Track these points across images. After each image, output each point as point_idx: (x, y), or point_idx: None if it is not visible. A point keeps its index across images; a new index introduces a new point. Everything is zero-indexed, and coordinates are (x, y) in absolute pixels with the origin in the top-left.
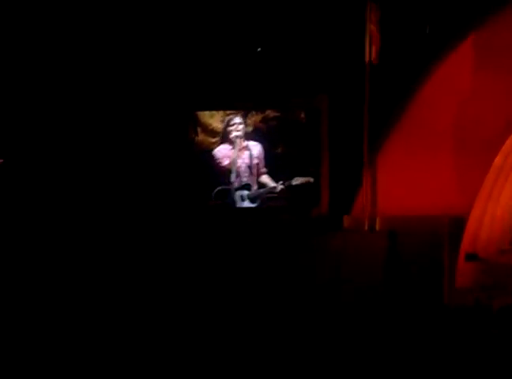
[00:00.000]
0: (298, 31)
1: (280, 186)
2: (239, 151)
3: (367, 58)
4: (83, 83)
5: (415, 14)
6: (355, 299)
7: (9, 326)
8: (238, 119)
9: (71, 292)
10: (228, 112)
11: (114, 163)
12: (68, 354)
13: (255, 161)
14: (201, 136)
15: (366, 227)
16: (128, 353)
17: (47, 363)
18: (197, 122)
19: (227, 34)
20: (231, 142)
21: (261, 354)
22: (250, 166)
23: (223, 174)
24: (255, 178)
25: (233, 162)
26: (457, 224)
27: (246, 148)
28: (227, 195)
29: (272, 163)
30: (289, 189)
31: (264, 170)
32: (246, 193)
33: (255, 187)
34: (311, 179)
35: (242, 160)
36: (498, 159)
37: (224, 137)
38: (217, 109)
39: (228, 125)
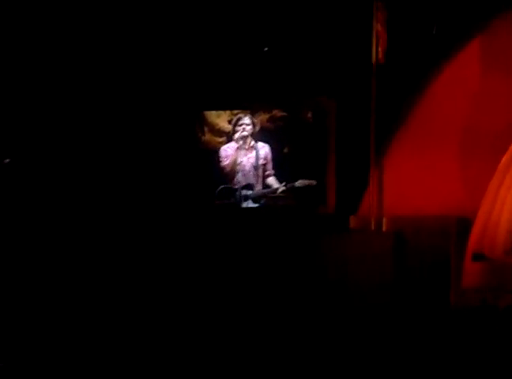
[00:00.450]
0: (304, 30)
1: (282, 188)
2: (246, 151)
3: (373, 58)
4: (90, 83)
5: (422, 14)
6: (361, 299)
7: (9, 326)
8: (247, 120)
9: (73, 292)
10: (235, 112)
11: (121, 162)
12: (68, 354)
13: (261, 162)
14: (207, 136)
15: (372, 227)
16: (130, 352)
17: (48, 363)
18: (203, 122)
19: (235, 34)
20: (238, 142)
21: (267, 354)
22: (255, 167)
23: (228, 173)
24: (261, 178)
25: (238, 161)
26: (465, 224)
27: (253, 148)
28: (230, 194)
29: (279, 162)
30: (291, 191)
31: (271, 172)
32: (249, 192)
33: (259, 187)
34: (314, 182)
35: (248, 160)
36: (504, 160)
37: (232, 137)
38: (224, 109)
39: (236, 124)
